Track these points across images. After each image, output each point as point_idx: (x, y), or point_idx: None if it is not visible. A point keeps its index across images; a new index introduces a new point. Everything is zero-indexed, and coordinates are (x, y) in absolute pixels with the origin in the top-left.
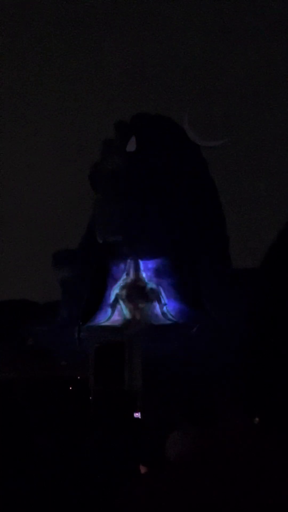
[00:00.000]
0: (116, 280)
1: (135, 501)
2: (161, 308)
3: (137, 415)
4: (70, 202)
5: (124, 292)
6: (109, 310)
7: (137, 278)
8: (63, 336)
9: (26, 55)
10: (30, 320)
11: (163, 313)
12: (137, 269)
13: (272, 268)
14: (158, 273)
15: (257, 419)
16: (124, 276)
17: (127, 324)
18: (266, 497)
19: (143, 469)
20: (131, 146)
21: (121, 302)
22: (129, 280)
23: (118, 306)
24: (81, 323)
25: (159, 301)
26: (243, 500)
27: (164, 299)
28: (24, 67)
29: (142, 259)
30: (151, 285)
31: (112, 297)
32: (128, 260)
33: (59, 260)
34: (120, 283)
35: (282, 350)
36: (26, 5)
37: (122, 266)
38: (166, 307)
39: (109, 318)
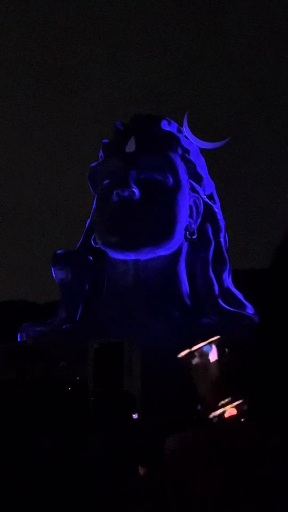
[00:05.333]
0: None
1: (136, 502)
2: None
3: (135, 416)
4: (69, 203)
5: None
6: None
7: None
8: (62, 337)
9: (26, 55)
10: (29, 320)
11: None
12: (137, 270)
13: (276, 270)
14: (157, 273)
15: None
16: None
17: None
18: (266, 497)
19: (142, 470)
20: (131, 146)
21: None
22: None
23: None
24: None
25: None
26: (242, 500)
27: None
28: (24, 67)
29: (141, 260)
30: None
31: None
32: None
33: (58, 260)
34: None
35: (282, 350)
36: (30, 5)
37: (122, 267)
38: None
39: None
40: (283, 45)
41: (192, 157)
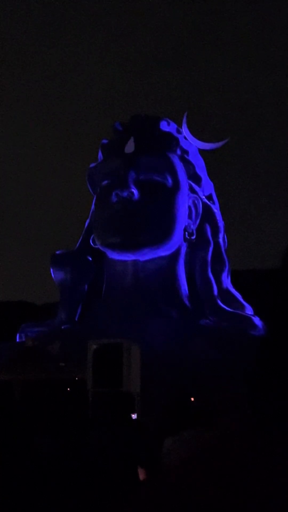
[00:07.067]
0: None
1: (135, 502)
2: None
3: (134, 416)
4: (69, 204)
5: None
6: None
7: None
8: (61, 338)
9: (26, 55)
10: (28, 321)
11: None
12: (136, 271)
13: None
14: (157, 274)
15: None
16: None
17: None
18: (266, 499)
19: (141, 470)
20: (130, 147)
21: None
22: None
23: None
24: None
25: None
26: (243, 502)
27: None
28: (24, 67)
29: (141, 261)
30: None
31: None
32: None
33: (57, 261)
34: None
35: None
36: (26, 6)
37: (121, 267)
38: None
39: None
40: (283, 45)
41: (191, 158)
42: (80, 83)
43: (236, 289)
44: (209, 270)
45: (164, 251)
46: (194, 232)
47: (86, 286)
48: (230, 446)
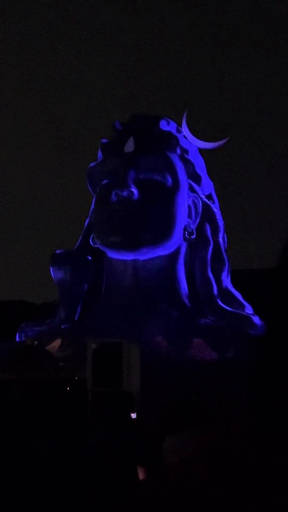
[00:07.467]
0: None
1: (135, 502)
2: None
3: (133, 415)
4: (68, 204)
5: None
6: None
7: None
8: (61, 337)
9: (25, 54)
10: (28, 321)
11: None
12: (135, 270)
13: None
14: (156, 274)
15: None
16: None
17: None
18: (265, 498)
19: (140, 469)
20: (129, 147)
21: None
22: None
23: None
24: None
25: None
26: (243, 502)
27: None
28: (23, 66)
29: (141, 260)
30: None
31: None
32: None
33: (57, 260)
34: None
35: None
36: (26, 5)
37: (120, 267)
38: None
39: None
40: (283, 45)
41: (191, 157)
42: (79, 83)
43: (236, 289)
44: (209, 269)
45: (164, 251)
46: (194, 231)
47: (85, 286)
48: (230, 446)
